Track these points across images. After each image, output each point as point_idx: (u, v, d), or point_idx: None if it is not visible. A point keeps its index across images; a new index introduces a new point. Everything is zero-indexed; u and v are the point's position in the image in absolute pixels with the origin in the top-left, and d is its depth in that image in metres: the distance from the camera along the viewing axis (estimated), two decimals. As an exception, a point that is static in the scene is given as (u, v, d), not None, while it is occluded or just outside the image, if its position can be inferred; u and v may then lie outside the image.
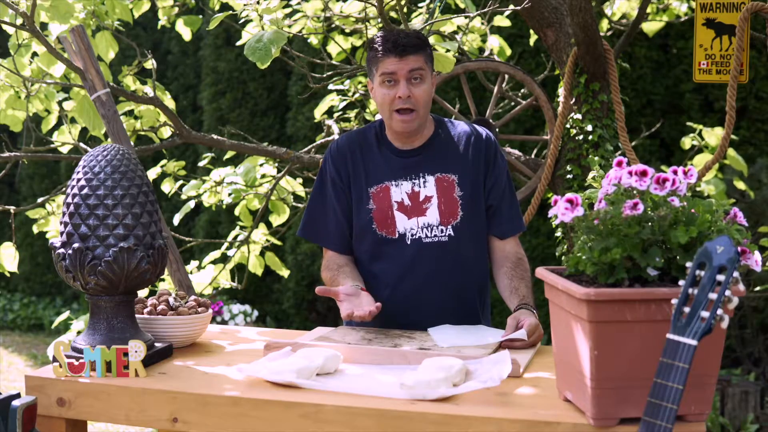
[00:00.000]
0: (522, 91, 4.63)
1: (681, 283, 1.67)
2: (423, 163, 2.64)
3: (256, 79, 7.52)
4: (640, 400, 1.70)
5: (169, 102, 4.12)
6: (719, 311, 1.61)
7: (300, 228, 2.77)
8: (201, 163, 4.56)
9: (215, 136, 4.05)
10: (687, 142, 4.36)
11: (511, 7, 3.69)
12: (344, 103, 4.45)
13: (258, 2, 3.59)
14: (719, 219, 1.80)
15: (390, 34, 2.61)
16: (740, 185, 4.64)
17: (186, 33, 4.46)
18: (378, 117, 4.02)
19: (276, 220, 4.27)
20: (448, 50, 3.49)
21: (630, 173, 1.81)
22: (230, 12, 3.65)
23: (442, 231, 2.60)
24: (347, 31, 4.39)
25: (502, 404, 1.92)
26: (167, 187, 4.36)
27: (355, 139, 2.70)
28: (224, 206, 4.31)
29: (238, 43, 4.10)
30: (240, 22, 3.86)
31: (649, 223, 1.78)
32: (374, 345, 2.29)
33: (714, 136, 4.28)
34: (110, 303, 2.25)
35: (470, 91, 4.07)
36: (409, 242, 2.60)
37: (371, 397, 1.96)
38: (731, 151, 4.16)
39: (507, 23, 4.48)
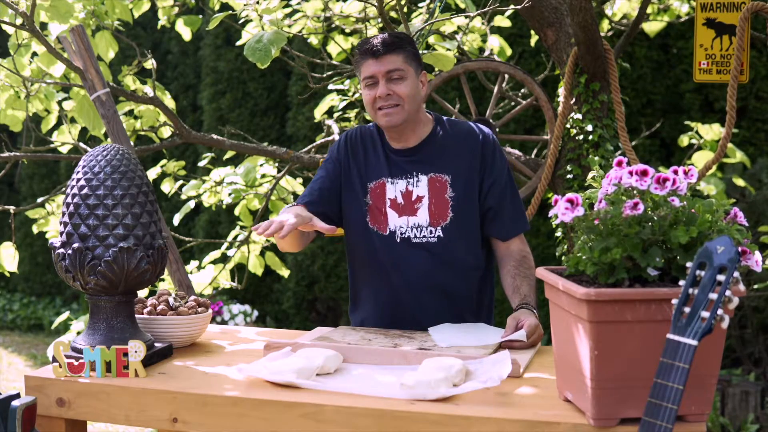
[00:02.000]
0: (522, 91, 4.63)
1: (681, 283, 1.67)
2: (418, 162, 2.65)
3: (256, 79, 7.52)
4: (641, 400, 1.70)
5: (169, 102, 4.12)
6: (719, 311, 1.61)
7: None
8: (201, 163, 4.57)
9: (215, 136, 4.05)
10: (685, 139, 4.36)
11: (512, 7, 3.69)
12: (344, 103, 4.45)
13: (258, 2, 3.59)
14: (719, 219, 1.80)
15: (368, 37, 2.67)
16: (740, 182, 4.64)
17: (186, 33, 4.46)
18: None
19: (276, 220, 4.26)
20: (448, 50, 3.49)
21: (630, 173, 1.81)
22: (230, 12, 3.65)
23: (431, 232, 2.61)
24: (347, 31, 4.39)
25: (502, 404, 1.92)
26: (167, 187, 4.36)
27: (363, 133, 2.74)
28: (224, 206, 4.31)
29: (238, 43, 4.10)
30: (240, 22, 3.86)
31: (650, 223, 1.77)
32: (374, 345, 2.29)
33: (711, 131, 4.28)
34: (110, 303, 2.25)
35: (470, 91, 4.07)
36: (398, 240, 2.62)
37: (371, 397, 1.95)
38: (730, 145, 4.15)
39: (507, 23, 4.48)
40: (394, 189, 2.64)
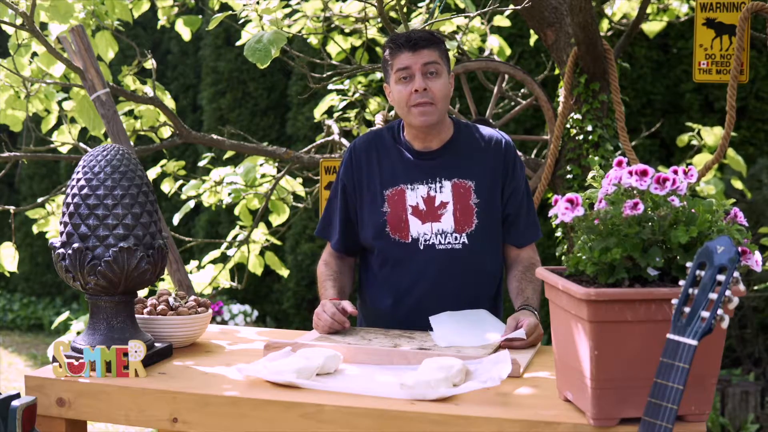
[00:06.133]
0: (522, 91, 4.63)
1: (681, 283, 1.67)
2: (440, 167, 2.60)
3: (256, 79, 7.52)
4: (641, 400, 1.70)
5: (169, 102, 4.12)
6: (719, 311, 1.61)
7: (317, 228, 2.80)
8: (201, 163, 4.57)
9: (215, 136, 4.05)
10: (685, 138, 4.36)
11: (511, 7, 3.69)
12: (344, 102, 4.45)
13: (258, 2, 3.59)
14: (719, 219, 1.80)
15: (402, 32, 2.61)
16: (738, 185, 4.64)
17: (186, 33, 4.46)
18: (378, 117, 4.04)
19: (276, 219, 4.27)
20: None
21: (630, 173, 1.81)
22: (230, 12, 3.65)
23: (456, 238, 2.57)
24: (347, 31, 4.40)
25: (502, 404, 1.92)
26: (167, 187, 4.36)
27: (372, 140, 2.67)
28: (224, 206, 4.31)
29: (238, 43, 4.10)
30: (240, 22, 3.86)
31: (650, 223, 1.77)
32: (374, 345, 2.29)
33: (712, 135, 4.28)
34: (110, 303, 2.25)
35: (470, 91, 4.07)
36: (421, 248, 2.57)
37: (371, 397, 1.95)
38: (731, 151, 4.16)
39: (507, 23, 4.48)
40: (415, 195, 2.58)
